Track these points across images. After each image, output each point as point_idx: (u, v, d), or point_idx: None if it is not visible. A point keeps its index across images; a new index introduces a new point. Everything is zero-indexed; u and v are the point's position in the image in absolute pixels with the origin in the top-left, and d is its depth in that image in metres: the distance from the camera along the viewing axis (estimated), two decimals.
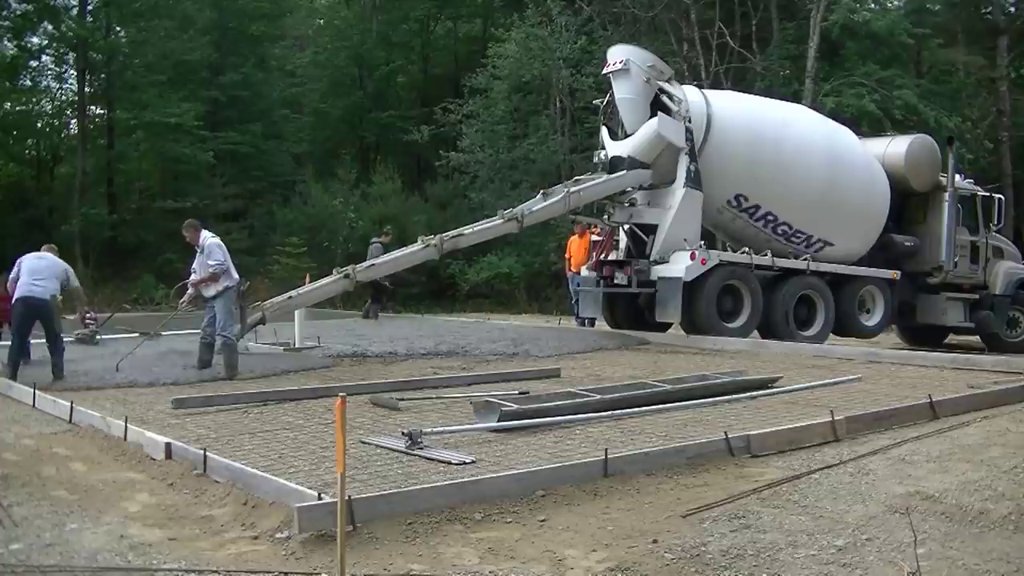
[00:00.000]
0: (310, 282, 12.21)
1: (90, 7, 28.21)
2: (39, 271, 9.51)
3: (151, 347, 10.91)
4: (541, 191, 14.03)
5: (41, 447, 6.54)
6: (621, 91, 13.99)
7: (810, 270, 14.04)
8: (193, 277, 10.06)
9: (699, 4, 26.62)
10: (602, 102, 15.10)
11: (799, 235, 14.16)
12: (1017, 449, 5.94)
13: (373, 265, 12.42)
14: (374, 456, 5.87)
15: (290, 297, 11.48)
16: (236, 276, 10.02)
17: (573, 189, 13.31)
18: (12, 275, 9.70)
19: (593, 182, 13.52)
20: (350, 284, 11.86)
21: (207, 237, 9.94)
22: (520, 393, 8.00)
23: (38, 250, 10.14)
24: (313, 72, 35.59)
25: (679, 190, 13.48)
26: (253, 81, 29.95)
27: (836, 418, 6.42)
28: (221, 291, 9.82)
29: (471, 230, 13.24)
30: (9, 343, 9.74)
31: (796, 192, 13.94)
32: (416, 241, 12.87)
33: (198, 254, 9.99)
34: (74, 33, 26.91)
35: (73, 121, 29.92)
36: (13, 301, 9.48)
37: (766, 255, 13.74)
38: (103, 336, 12.77)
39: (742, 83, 24.33)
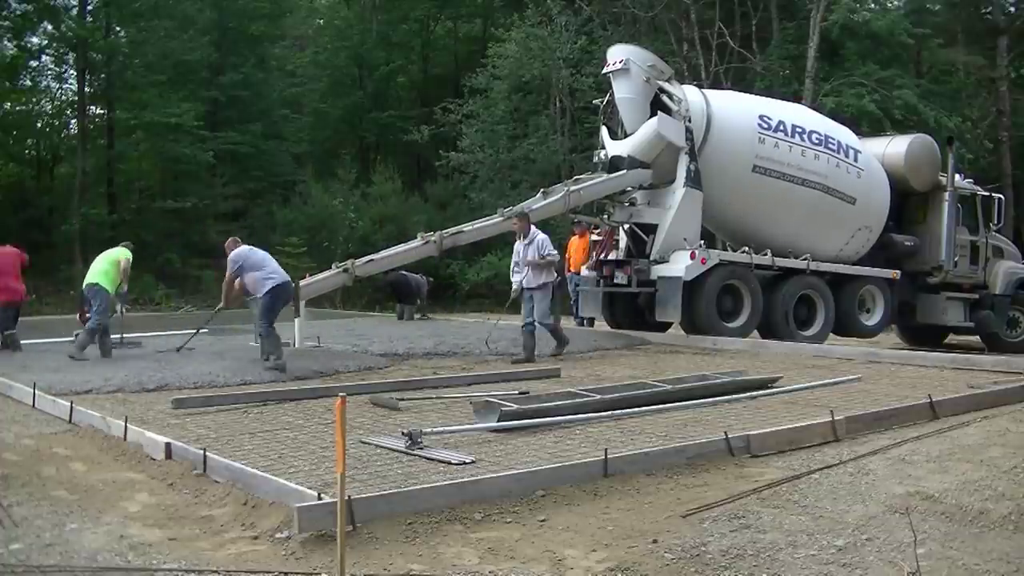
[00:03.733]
0: None
1: (90, 7, 28.23)
2: None
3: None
4: (541, 190, 14.03)
5: (41, 447, 6.54)
6: (621, 91, 13.99)
7: (810, 270, 14.04)
8: (529, 259, 11.16)
9: (699, 4, 26.65)
10: (602, 102, 15.10)
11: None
12: (1017, 449, 5.94)
13: (372, 260, 12.43)
14: (374, 456, 5.87)
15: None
16: (554, 275, 11.39)
17: (573, 188, 13.32)
18: None
19: (593, 181, 13.53)
20: (349, 278, 12.00)
21: (537, 232, 11.30)
22: (520, 393, 8.00)
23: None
24: (313, 72, 35.63)
25: (679, 190, 13.48)
26: (253, 81, 29.98)
27: (836, 418, 6.41)
28: (543, 284, 11.07)
29: (471, 227, 13.24)
30: None
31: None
32: (415, 238, 12.90)
33: (524, 245, 11.22)
34: (74, 33, 26.92)
35: (73, 121, 29.96)
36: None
37: (766, 255, 13.74)
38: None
39: (742, 83, 24.36)
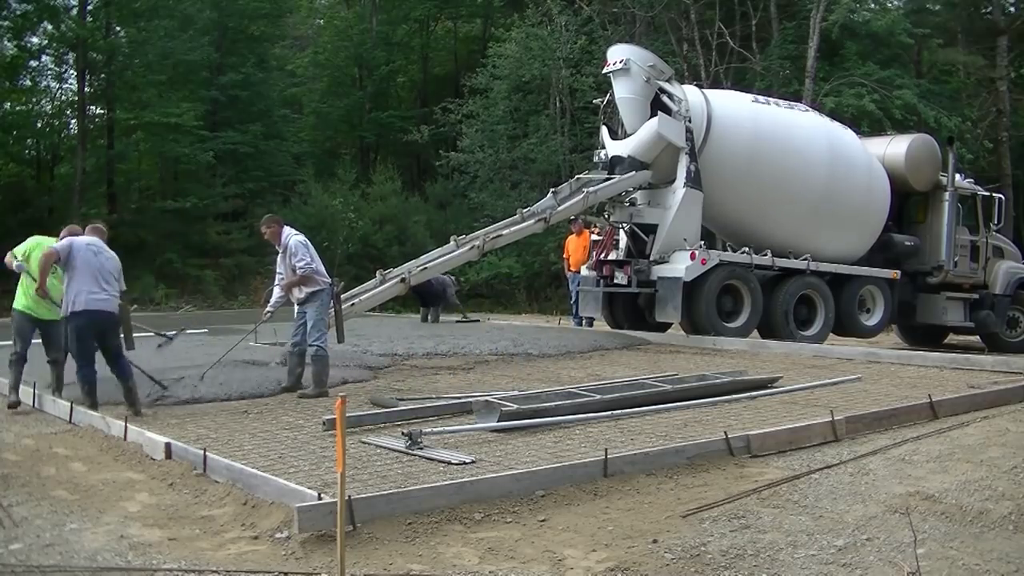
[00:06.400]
0: None
1: (90, 7, 28.17)
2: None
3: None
4: (552, 190, 14.00)
5: (41, 447, 6.54)
6: (621, 90, 13.99)
7: (810, 270, 14.04)
8: (280, 280, 8.98)
9: (699, 4, 26.63)
10: (602, 102, 15.10)
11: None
12: (1017, 449, 5.95)
13: (425, 268, 12.35)
14: (374, 456, 5.87)
15: (352, 304, 11.44)
16: (328, 277, 9.04)
17: (591, 189, 13.29)
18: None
19: (609, 182, 13.47)
20: (405, 288, 11.87)
21: (290, 235, 8.90)
22: (520, 393, 8.00)
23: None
24: (313, 72, 35.61)
25: (679, 190, 13.47)
26: (253, 81, 29.94)
27: (836, 418, 6.42)
28: (312, 294, 8.80)
29: (508, 231, 13.16)
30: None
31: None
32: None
33: (280, 254, 8.95)
34: (74, 33, 26.89)
35: (73, 121, 29.90)
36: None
37: (766, 255, 13.73)
38: None
39: (742, 83, 24.32)
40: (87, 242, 7.71)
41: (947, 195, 15.09)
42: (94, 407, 7.44)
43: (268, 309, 9.23)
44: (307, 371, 8.86)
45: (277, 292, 9.07)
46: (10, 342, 8.29)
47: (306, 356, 8.85)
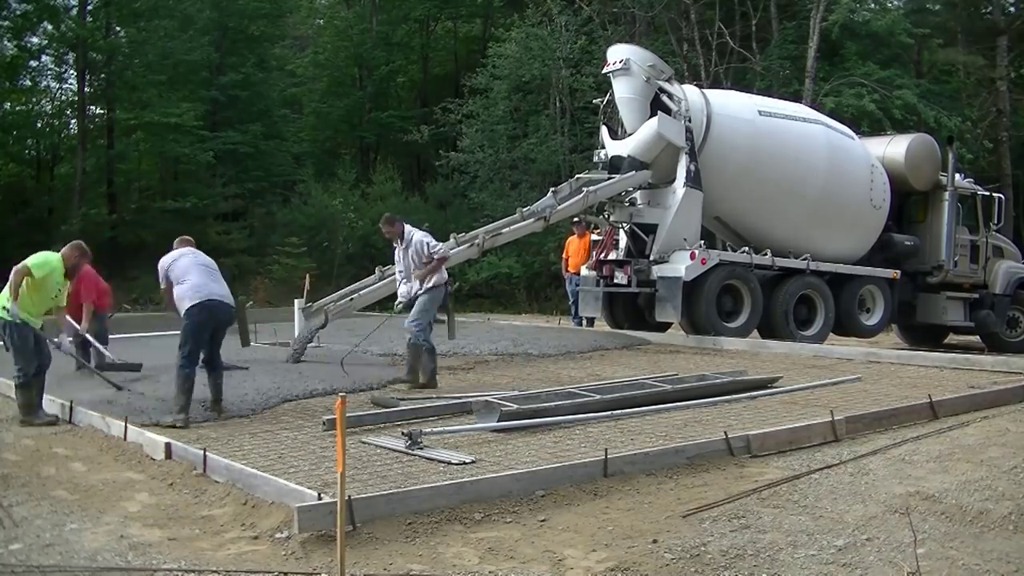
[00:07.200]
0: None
1: (90, 7, 28.21)
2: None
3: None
4: (552, 189, 13.99)
5: (41, 447, 6.54)
6: (621, 90, 13.99)
7: (810, 270, 14.03)
8: (402, 275, 9.35)
9: (699, 4, 26.64)
10: (602, 102, 15.10)
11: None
12: (1017, 449, 5.95)
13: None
14: (374, 456, 5.87)
15: (351, 299, 11.42)
16: (445, 275, 9.29)
17: (591, 189, 13.28)
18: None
19: (609, 182, 13.47)
20: None
21: (413, 231, 9.25)
22: (520, 393, 8.00)
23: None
24: (313, 72, 35.64)
25: (679, 190, 13.46)
26: (253, 81, 29.97)
27: (836, 418, 6.42)
28: (431, 287, 9.09)
29: (508, 229, 13.13)
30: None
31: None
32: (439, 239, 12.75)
33: (400, 250, 9.29)
34: (74, 33, 26.92)
35: (73, 121, 29.94)
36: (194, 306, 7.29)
37: (766, 255, 13.73)
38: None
39: (742, 83, 24.33)
40: (185, 250, 7.78)
41: (947, 195, 15.09)
42: (186, 408, 7.07)
43: (399, 301, 9.49)
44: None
45: (404, 288, 9.40)
46: None
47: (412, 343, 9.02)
